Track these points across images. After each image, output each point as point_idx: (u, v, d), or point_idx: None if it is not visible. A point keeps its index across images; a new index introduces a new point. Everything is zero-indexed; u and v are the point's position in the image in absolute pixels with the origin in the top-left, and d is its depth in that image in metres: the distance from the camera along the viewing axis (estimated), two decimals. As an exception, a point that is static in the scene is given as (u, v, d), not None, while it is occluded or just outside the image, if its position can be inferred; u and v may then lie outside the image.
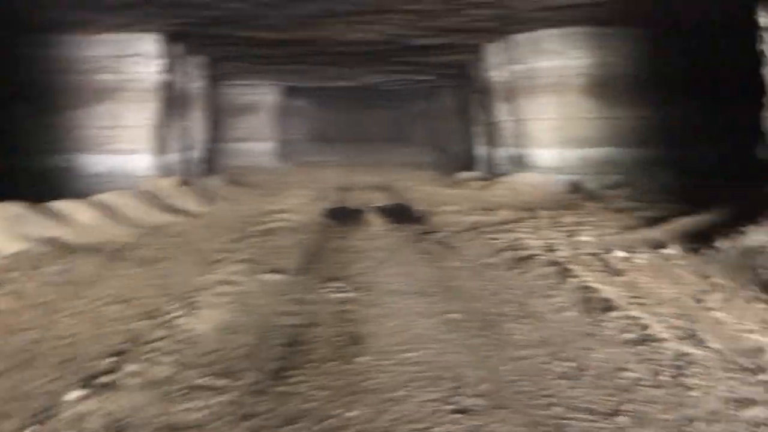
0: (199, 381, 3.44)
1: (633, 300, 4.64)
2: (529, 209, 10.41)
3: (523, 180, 13.80)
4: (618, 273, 5.53)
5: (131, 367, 3.59)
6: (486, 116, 16.33)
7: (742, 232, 6.73)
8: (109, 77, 12.82)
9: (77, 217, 7.72)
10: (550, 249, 6.75)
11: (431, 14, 11.14)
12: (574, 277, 5.27)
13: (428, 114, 28.00)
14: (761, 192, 8.43)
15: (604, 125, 13.56)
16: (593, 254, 6.49)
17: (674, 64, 13.14)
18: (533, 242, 7.17)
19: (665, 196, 11.42)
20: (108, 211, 8.34)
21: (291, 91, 24.46)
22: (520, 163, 14.71)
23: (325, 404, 3.14)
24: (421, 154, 26.67)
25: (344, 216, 10.36)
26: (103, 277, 5.77)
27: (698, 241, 7.07)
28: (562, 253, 6.53)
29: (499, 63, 14.63)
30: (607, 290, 4.84)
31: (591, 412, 2.95)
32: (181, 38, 13.32)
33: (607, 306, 4.46)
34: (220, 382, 3.41)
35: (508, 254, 6.55)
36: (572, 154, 13.75)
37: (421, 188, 14.64)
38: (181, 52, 14.27)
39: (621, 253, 6.51)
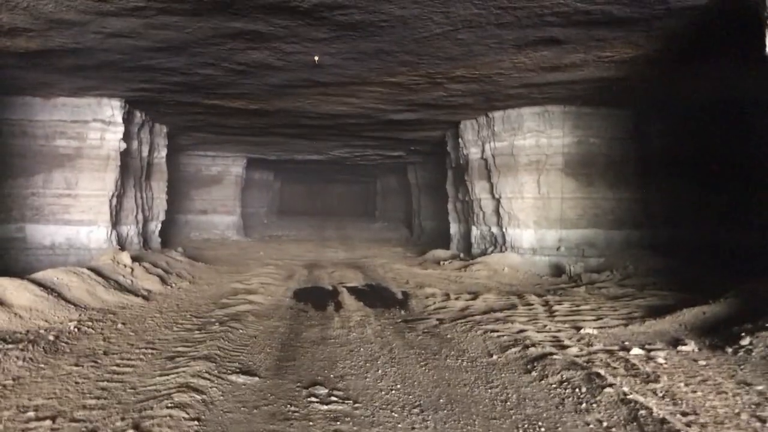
0: None
1: (687, 419, 3.82)
2: (516, 294, 9.70)
3: (502, 261, 13.12)
4: (650, 378, 4.73)
5: None
6: (462, 193, 15.82)
7: (770, 329, 6.08)
8: (66, 143, 12.04)
9: (11, 297, 6.65)
10: (560, 345, 5.95)
11: (413, 88, 10.64)
12: (606, 384, 4.43)
13: (398, 189, 27.54)
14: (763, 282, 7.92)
15: (584, 206, 13.10)
16: (609, 351, 5.72)
17: (655, 145, 12.89)
18: (537, 336, 6.37)
19: (654, 281, 10.86)
20: (50, 291, 7.28)
21: (256, 163, 23.79)
22: (497, 243, 14.11)
23: None
24: (389, 230, 26.04)
25: (317, 298, 9.47)
26: (30, 379, 4.71)
27: (718, 337, 6.40)
28: (575, 350, 5.73)
29: (476, 140, 14.21)
30: (651, 404, 4.01)
31: None
32: (145, 105, 12.60)
33: (663, 429, 3.62)
34: None
35: (516, 351, 5.71)
36: (552, 235, 13.20)
37: (395, 267, 13.84)
38: (143, 120, 13.53)
39: (639, 351, 5.77)
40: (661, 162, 12.83)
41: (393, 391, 4.60)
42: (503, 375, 5.05)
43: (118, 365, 5.14)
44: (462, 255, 15.25)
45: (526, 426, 3.88)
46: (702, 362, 5.42)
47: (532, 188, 13.13)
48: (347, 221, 28.52)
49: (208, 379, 4.70)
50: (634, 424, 3.76)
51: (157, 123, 14.68)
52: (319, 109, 12.70)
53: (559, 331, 6.74)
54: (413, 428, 3.86)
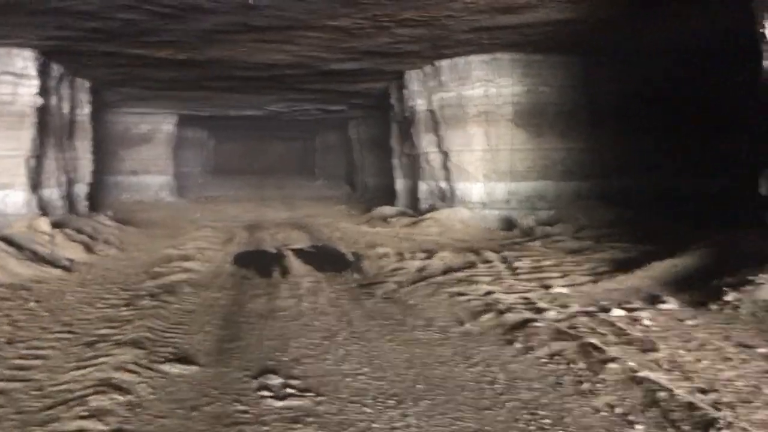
0: None
1: (710, 398, 3.25)
2: (472, 250, 9.17)
3: (453, 216, 12.60)
4: (646, 347, 4.21)
5: None
6: (407, 148, 15.14)
7: (754, 283, 5.70)
8: (-27, 99, 10.67)
9: None
10: (535, 308, 5.42)
11: (356, 33, 9.79)
12: (607, 359, 3.85)
13: (338, 146, 26.66)
14: (735, 232, 7.61)
15: (534, 157, 12.63)
16: (588, 314, 5.22)
17: (607, 92, 12.44)
18: (508, 298, 5.83)
19: (609, 233, 10.51)
20: (-52, 267, 6.28)
21: (189, 120, 22.43)
22: (445, 198, 13.57)
23: None
24: (330, 188, 25.26)
25: (260, 263, 8.70)
26: None
27: (697, 292, 6.00)
28: (553, 314, 5.20)
29: (422, 91, 13.48)
30: (662, 380, 3.46)
31: None
32: (63, 56, 11.34)
33: (694, 416, 3.04)
34: None
35: (490, 318, 5.13)
36: (502, 188, 12.71)
37: (341, 226, 13.16)
38: (62, 73, 12.24)
39: (620, 312, 5.30)
40: (613, 110, 12.42)
41: (360, 377, 3.90)
42: (482, 348, 4.43)
43: (23, 357, 4.24)
44: (410, 211, 14.68)
45: (526, 417, 3.23)
46: (689, 322, 5.01)
47: (481, 140, 12.56)
48: (287, 180, 27.55)
49: (136, 372, 3.86)
50: (656, 409, 3.18)
51: (78, 77, 13.38)
52: (254, 59, 11.71)
53: (528, 291, 6.23)
54: (393, 428, 3.17)
